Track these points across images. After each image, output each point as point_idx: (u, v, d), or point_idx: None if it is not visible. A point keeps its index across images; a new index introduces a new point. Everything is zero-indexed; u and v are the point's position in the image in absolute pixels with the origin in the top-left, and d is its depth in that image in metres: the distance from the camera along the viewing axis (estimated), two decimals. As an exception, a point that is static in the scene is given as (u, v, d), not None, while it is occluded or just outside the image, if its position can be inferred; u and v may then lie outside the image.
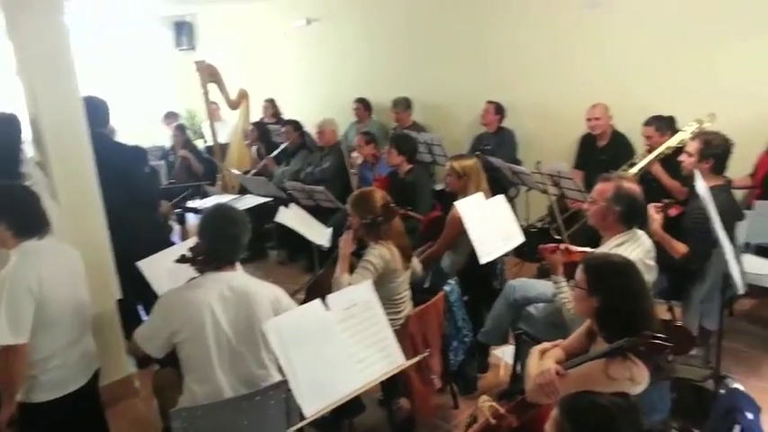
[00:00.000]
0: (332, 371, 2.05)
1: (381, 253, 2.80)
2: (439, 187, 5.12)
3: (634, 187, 2.59)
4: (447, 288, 2.94)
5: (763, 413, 2.80)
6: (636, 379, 1.77)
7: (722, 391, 2.65)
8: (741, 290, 2.36)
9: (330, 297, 2.21)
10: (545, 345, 2.12)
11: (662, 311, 3.27)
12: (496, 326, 3.18)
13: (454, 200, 3.35)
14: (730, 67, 4.38)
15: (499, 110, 5.53)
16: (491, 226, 3.29)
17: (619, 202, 2.58)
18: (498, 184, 4.96)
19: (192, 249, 2.25)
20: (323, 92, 7.37)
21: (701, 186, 2.42)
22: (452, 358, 2.97)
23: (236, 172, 5.92)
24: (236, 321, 2.17)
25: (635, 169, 4.14)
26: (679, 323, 1.74)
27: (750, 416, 1.75)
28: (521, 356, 2.95)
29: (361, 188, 3.36)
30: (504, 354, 3.44)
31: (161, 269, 2.73)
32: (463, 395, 3.15)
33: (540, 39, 5.42)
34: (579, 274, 1.97)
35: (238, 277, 2.26)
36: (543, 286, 3.03)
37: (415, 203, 4.09)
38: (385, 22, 6.59)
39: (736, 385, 2.80)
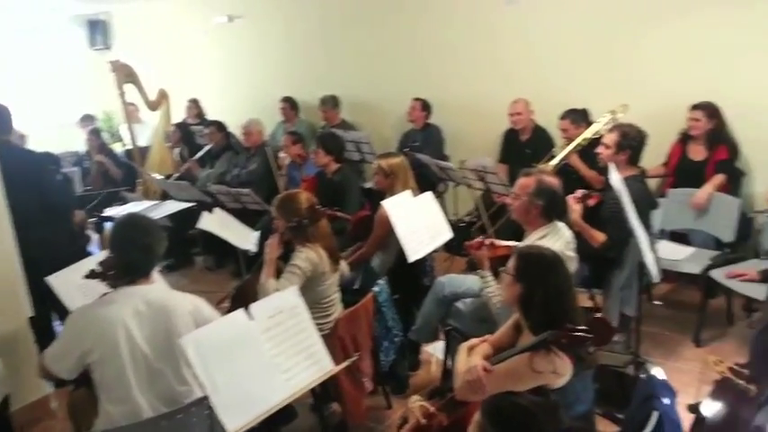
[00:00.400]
0: (256, 383, 1.99)
1: (309, 256, 2.75)
2: (368, 186, 5.10)
3: (554, 181, 2.65)
4: (376, 288, 2.92)
5: (681, 395, 2.97)
6: (559, 371, 1.80)
7: (642, 376, 2.75)
8: (656, 278, 2.45)
9: (253, 306, 2.14)
10: (473, 341, 2.13)
11: (584, 300, 3.37)
12: (426, 323, 3.19)
13: (383, 198, 3.33)
14: (642, 59, 4.58)
15: (426, 106, 5.57)
16: (419, 224, 3.29)
17: (540, 196, 2.63)
18: (427, 181, 5.00)
19: (102, 264, 2.13)
20: (248, 91, 7.19)
21: (615, 178, 2.50)
22: (383, 359, 2.95)
23: (157, 176, 5.69)
24: (153, 337, 2.06)
25: (555, 161, 4.27)
26: (599, 315, 1.77)
27: (666, 401, 1.81)
28: (451, 352, 2.96)
29: (289, 189, 3.29)
30: (435, 350, 3.47)
31: (72, 284, 2.58)
32: (395, 395, 3.15)
33: (465, 36, 5.49)
34: (511, 260, 2.01)
35: (155, 290, 2.15)
36: (471, 281, 3.05)
37: (344, 203, 4.05)
38: (310, 19, 6.50)
39: (656, 370, 2.94)
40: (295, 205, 2.81)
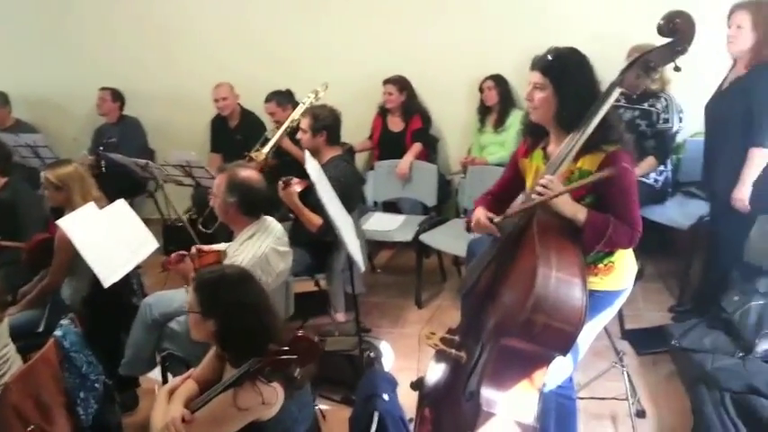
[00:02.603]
0: None
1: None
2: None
3: (249, 175, 2.42)
4: (58, 332, 2.38)
5: (409, 360, 3.07)
6: (269, 401, 1.60)
7: (371, 356, 2.75)
8: (362, 267, 2.42)
9: None
10: (174, 382, 1.82)
11: (309, 286, 3.28)
12: (137, 353, 2.77)
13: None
14: (337, 37, 4.60)
15: (117, 96, 4.91)
16: (112, 239, 2.81)
17: (232, 192, 2.40)
18: (134, 181, 4.42)
19: None
20: None
21: (312, 166, 2.38)
22: (82, 413, 2.44)
23: None
24: None
25: (267, 147, 4.06)
26: (301, 333, 1.60)
27: (386, 397, 1.75)
28: (167, 380, 2.61)
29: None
30: (158, 376, 3.05)
31: None
32: (111, 446, 2.67)
33: (156, 16, 4.92)
34: (191, 295, 1.71)
35: None
36: (183, 297, 2.70)
37: (17, 226, 3.31)
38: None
39: (382, 345, 2.99)
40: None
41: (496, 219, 1.99)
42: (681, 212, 3.57)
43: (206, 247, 2.61)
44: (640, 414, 2.62)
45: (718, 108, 2.95)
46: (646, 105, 3.47)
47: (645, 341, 3.12)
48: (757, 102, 2.69)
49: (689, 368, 2.41)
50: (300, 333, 1.60)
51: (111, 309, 2.94)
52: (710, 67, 3.12)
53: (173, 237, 4.22)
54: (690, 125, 3.68)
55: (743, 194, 2.79)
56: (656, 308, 3.47)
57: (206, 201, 4.19)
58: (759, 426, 1.88)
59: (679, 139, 3.73)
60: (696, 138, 3.76)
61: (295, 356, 1.53)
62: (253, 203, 2.44)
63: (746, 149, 2.75)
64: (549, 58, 1.91)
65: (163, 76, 5.05)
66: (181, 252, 2.47)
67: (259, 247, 2.39)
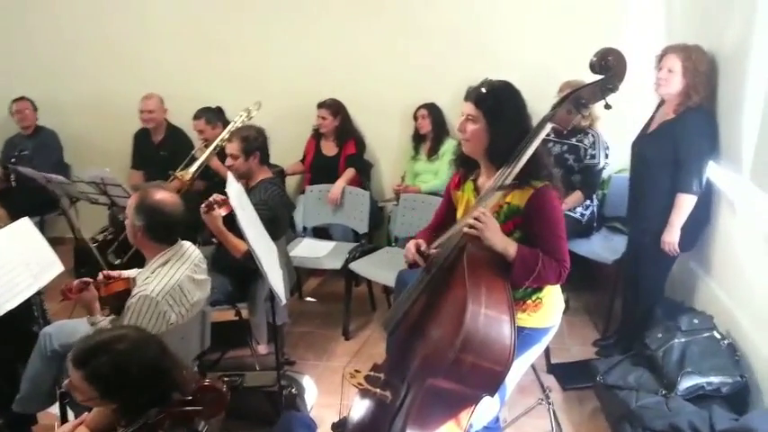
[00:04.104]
0: None
1: None
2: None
3: (162, 198, 2.23)
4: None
5: (334, 396, 2.93)
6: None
7: (292, 392, 2.61)
8: (283, 300, 2.29)
9: None
10: (63, 430, 1.62)
11: (229, 315, 3.11)
12: (35, 388, 2.52)
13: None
14: (273, 59, 4.49)
15: (32, 106, 4.59)
16: (12, 261, 2.56)
17: (140, 216, 2.22)
18: (46, 197, 4.10)
19: None
20: None
21: (234, 190, 2.25)
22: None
23: None
24: None
25: (194, 167, 3.86)
26: (207, 382, 1.46)
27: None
28: (67, 417, 2.36)
29: None
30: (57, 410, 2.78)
31: None
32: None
33: (78, 23, 4.66)
34: (76, 376, 1.51)
35: None
36: (87, 327, 2.48)
37: None
38: None
39: (305, 380, 2.84)
40: None
41: (429, 250, 1.92)
42: (605, 247, 3.64)
43: (114, 274, 2.42)
44: (565, 452, 2.60)
45: (645, 148, 3.01)
46: (574, 140, 3.54)
47: (570, 376, 3.12)
48: (685, 148, 2.75)
49: (614, 405, 2.41)
50: (206, 382, 1.45)
51: (7, 338, 2.68)
52: (636, 106, 3.22)
53: (84, 259, 3.93)
54: (614, 162, 3.78)
55: (672, 238, 2.84)
56: (582, 342, 3.49)
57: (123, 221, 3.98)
58: (681, 467, 1.87)
59: (604, 174, 3.82)
60: (621, 174, 3.87)
61: (200, 408, 1.38)
62: (162, 229, 2.25)
63: (674, 193, 2.80)
64: (483, 90, 1.89)
65: (82, 86, 4.80)
66: (84, 279, 2.26)
67: (173, 276, 2.21)
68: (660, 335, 2.54)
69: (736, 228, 2.66)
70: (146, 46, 4.65)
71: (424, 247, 1.93)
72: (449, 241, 1.86)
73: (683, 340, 2.43)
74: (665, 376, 2.34)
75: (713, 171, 2.85)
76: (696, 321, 2.53)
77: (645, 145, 3.02)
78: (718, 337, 2.44)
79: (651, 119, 3.06)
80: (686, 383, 2.26)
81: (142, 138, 4.52)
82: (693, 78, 2.74)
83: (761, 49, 2.36)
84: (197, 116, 4.09)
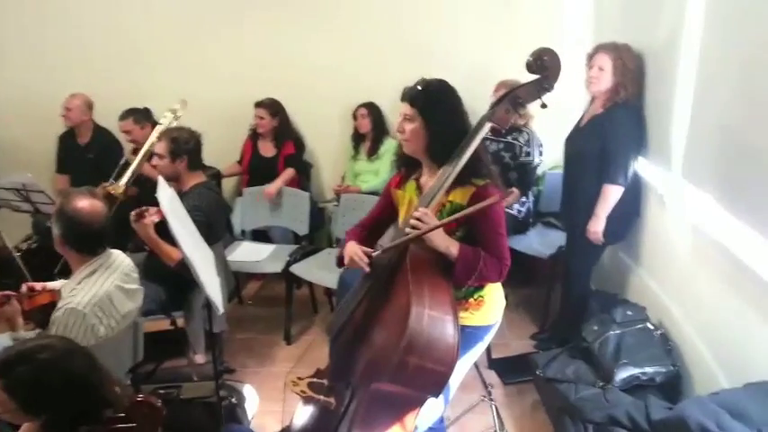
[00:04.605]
0: None
1: None
2: None
3: (83, 205, 2.09)
4: None
5: (277, 403, 2.86)
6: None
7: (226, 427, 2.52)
8: (221, 309, 2.20)
9: None
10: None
11: (163, 325, 2.98)
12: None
13: None
14: (208, 57, 4.34)
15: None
16: None
17: (59, 224, 2.09)
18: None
19: None
20: None
21: (165, 195, 2.14)
22: None
23: None
24: None
25: (125, 178, 3.64)
26: (141, 397, 1.38)
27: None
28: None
29: None
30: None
31: None
32: None
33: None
34: None
35: None
36: (5, 340, 2.31)
37: None
38: None
39: (246, 389, 2.76)
40: None
41: (375, 254, 1.89)
42: (541, 242, 3.72)
43: (38, 286, 2.27)
44: (508, 447, 2.63)
45: (576, 143, 3.10)
46: (509, 138, 3.61)
47: (511, 370, 3.17)
48: (612, 140, 2.85)
49: (553, 398, 2.45)
50: (140, 397, 1.37)
51: None
52: (568, 103, 3.30)
53: (5, 269, 3.68)
54: (548, 158, 3.87)
55: (597, 228, 2.93)
56: (521, 336, 3.55)
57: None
58: (620, 457, 1.92)
59: (539, 171, 3.91)
60: (554, 170, 3.97)
61: (133, 425, 1.30)
62: (81, 239, 2.12)
63: (601, 185, 2.90)
64: (419, 88, 1.89)
65: (9, 85, 4.49)
66: (6, 293, 2.11)
67: (101, 286, 2.10)
68: (596, 327, 2.60)
69: (666, 221, 2.76)
70: (71, 45, 4.41)
71: (375, 254, 1.89)
72: (396, 242, 1.84)
73: (617, 332, 2.50)
74: (601, 368, 2.41)
75: (643, 166, 2.96)
76: (630, 313, 2.61)
77: (576, 140, 3.11)
78: (651, 327, 2.53)
79: (583, 115, 3.15)
80: (622, 374, 2.33)
81: (67, 140, 4.29)
82: (623, 76, 2.85)
83: (689, 47, 2.45)
84: (123, 117, 3.92)
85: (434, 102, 1.88)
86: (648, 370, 2.34)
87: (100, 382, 1.42)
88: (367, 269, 1.88)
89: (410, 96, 1.89)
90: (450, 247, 1.81)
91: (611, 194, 2.89)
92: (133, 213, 2.60)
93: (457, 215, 1.78)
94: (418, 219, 1.77)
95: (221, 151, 4.10)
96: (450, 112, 1.89)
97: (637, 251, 3.11)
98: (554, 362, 2.63)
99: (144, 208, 2.61)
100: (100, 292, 2.07)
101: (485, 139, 1.88)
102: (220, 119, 4.19)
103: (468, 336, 1.98)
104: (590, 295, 3.03)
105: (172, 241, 2.56)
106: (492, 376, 3.10)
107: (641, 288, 3.01)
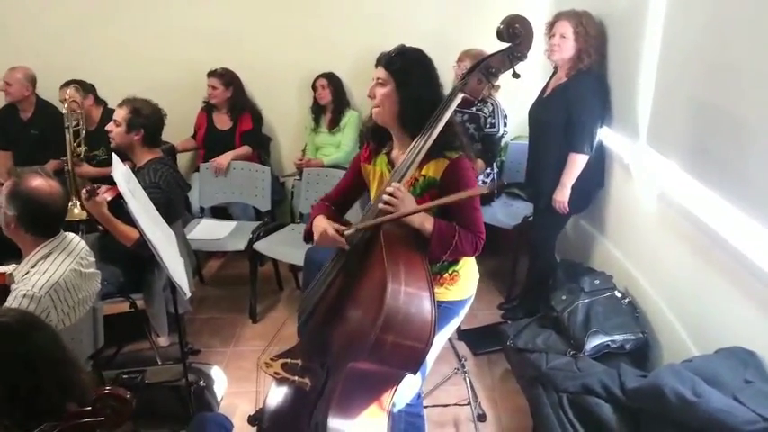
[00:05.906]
0: None
1: None
2: None
3: (38, 185, 1.97)
4: None
5: (246, 383, 2.81)
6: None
7: (200, 385, 2.45)
8: (187, 293, 2.11)
9: None
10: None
11: (123, 307, 2.86)
12: None
13: None
14: (164, 24, 4.12)
15: None
16: None
17: (13, 204, 1.97)
18: None
19: None
20: None
21: (120, 172, 2.02)
22: None
23: None
24: None
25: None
26: (108, 389, 1.29)
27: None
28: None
29: None
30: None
31: None
32: None
33: None
34: None
35: None
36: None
37: None
38: None
39: (214, 370, 2.68)
40: None
41: (348, 231, 1.83)
42: (506, 213, 3.73)
43: (-13, 269, 2.12)
44: (481, 418, 2.64)
45: (540, 113, 3.09)
46: (473, 110, 3.57)
47: (480, 341, 3.19)
48: (576, 109, 2.84)
49: (525, 368, 2.47)
50: (107, 389, 1.29)
51: None
52: (531, 73, 3.27)
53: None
54: (511, 129, 3.85)
55: (563, 197, 2.95)
56: (488, 306, 3.57)
57: None
58: (596, 426, 1.94)
59: (502, 142, 3.89)
60: (518, 141, 3.96)
61: (101, 419, 1.22)
62: (37, 220, 2.00)
63: (567, 154, 2.90)
64: (394, 54, 1.82)
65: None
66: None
67: (56, 270, 1.98)
68: (564, 296, 2.62)
69: (632, 189, 2.78)
70: (15, 14, 4.12)
71: (348, 231, 1.83)
72: (372, 222, 1.78)
73: (586, 301, 2.52)
74: (572, 337, 2.42)
75: (607, 135, 2.97)
76: (597, 282, 2.64)
77: (540, 110, 3.10)
78: (619, 295, 2.56)
79: (547, 85, 3.13)
80: (592, 343, 2.35)
81: (8, 115, 4.04)
82: (585, 42, 2.84)
83: (654, 15, 2.44)
84: (65, 85, 3.69)
85: (409, 67, 1.82)
86: (618, 338, 2.37)
87: (64, 362, 1.32)
88: (346, 247, 1.82)
89: (386, 60, 1.83)
90: (425, 222, 1.77)
91: (577, 163, 2.89)
92: (84, 191, 2.46)
93: (437, 202, 1.73)
94: (391, 194, 1.72)
95: (175, 125, 3.87)
96: (424, 80, 1.83)
97: (601, 221, 3.15)
98: (524, 332, 2.64)
99: (96, 185, 2.47)
100: (55, 275, 1.95)
101: (449, 110, 1.82)
102: (173, 90, 3.98)
103: (444, 311, 1.96)
104: (556, 265, 3.05)
105: (126, 220, 2.46)
106: (462, 347, 3.11)
107: (606, 257, 3.05)
